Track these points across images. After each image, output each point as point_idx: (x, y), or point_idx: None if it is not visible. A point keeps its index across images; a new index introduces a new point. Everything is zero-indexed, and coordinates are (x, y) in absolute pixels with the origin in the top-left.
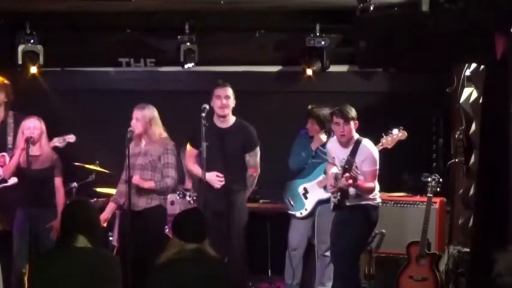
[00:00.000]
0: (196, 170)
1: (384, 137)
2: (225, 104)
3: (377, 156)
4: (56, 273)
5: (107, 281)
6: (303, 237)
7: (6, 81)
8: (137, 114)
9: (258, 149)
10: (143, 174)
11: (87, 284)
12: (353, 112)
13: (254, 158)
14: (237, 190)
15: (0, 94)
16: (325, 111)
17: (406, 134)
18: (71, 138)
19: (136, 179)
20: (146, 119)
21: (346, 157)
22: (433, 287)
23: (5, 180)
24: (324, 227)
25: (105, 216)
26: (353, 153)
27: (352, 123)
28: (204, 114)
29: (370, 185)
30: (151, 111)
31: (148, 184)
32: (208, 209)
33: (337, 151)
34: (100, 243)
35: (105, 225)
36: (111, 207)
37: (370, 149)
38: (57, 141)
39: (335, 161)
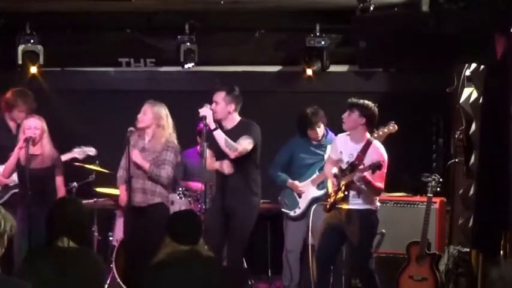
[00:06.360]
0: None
1: (375, 131)
2: (212, 108)
3: (386, 159)
4: (42, 274)
5: (91, 280)
6: (298, 239)
7: (26, 92)
8: (146, 108)
9: (247, 139)
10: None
11: (71, 284)
12: (360, 103)
13: (239, 141)
14: (243, 189)
15: (19, 114)
16: (311, 109)
17: (396, 127)
18: (91, 151)
19: (134, 153)
20: (156, 115)
21: (354, 153)
22: (433, 287)
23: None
24: (319, 227)
25: (124, 199)
26: (364, 151)
27: (354, 114)
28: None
29: (379, 184)
30: (160, 110)
31: (143, 162)
32: (213, 207)
33: (346, 146)
34: (86, 242)
35: (123, 203)
36: (123, 188)
37: (381, 150)
38: (77, 153)
39: (342, 156)
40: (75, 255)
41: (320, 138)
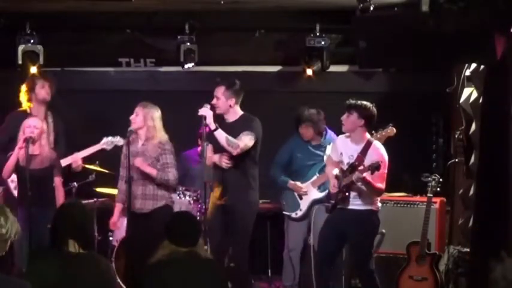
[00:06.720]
0: None
1: (374, 134)
2: (214, 103)
3: (387, 159)
4: (49, 277)
5: (101, 285)
6: (299, 239)
7: (48, 78)
8: (139, 109)
9: (248, 135)
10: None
11: None
12: (358, 104)
13: (241, 137)
14: (242, 184)
15: (42, 90)
16: (309, 111)
17: (394, 130)
18: (120, 141)
19: (138, 162)
20: (147, 116)
21: (355, 154)
22: (433, 287)
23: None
24: (320, 227)
25: (114, 219)
26: (364, 151)
27: (353, 116)
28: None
29: (380, 185)
30: (153, 110)
31: (150, 169)
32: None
33: (346, 147)
34: (92, 246)
35: (114, 228)
36: (119, 208)
37: (381, 151)
38: (105, 144)
39: (342, 157)
40: (85, 261)
41: (309, 138)
